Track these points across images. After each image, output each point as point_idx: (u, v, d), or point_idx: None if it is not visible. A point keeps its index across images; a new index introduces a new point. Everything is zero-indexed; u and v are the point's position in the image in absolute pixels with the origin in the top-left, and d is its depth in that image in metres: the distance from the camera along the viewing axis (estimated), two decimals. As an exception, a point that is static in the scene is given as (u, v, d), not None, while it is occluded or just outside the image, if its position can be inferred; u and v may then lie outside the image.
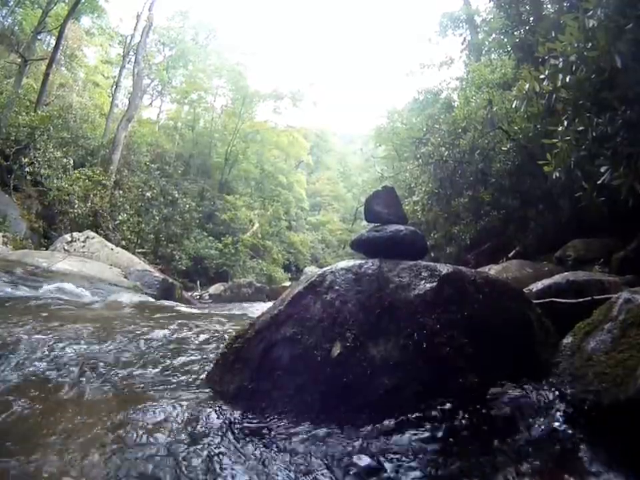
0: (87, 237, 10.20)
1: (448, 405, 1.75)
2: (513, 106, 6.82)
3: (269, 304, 2.75)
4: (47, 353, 2.77)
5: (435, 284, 2.09)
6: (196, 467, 1.52)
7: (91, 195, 13.39)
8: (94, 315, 4.31)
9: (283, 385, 1.96)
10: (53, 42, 17.57)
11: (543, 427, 1.64)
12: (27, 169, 11.70)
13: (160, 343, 3.29)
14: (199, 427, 1.79)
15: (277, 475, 1.49)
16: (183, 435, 1.72)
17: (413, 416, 1.73)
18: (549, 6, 10.24)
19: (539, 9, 9.96)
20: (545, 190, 8.69)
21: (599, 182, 4.32)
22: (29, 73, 16.97)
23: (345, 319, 2.04)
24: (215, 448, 1.64)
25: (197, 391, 2.23)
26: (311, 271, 14.48)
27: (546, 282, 3.77)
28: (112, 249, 10.34)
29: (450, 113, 13.32)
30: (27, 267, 6.86)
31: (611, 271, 5.53)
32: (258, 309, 5.95)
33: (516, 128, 9.10)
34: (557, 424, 1.64)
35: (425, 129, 12.82)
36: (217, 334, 3.76)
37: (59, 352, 2.82)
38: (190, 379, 2.47)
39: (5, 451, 1.58)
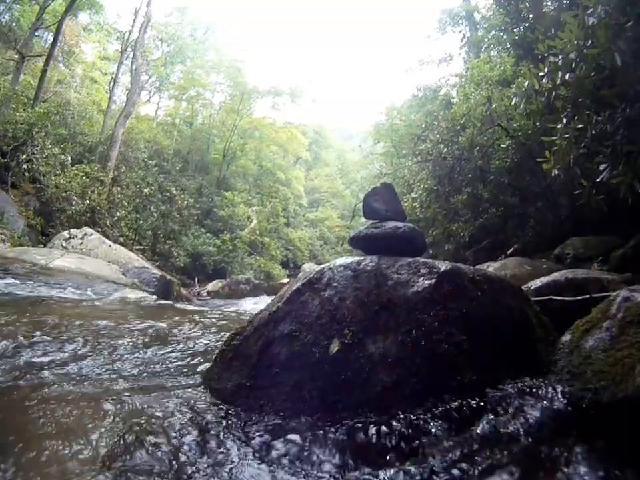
0: (85, 234, 10.16)
1: (446, 403, 1.75)
2: (512, 103, 6.81)
3: (268, 300, 2.74)
4: (43, 354, 2.76)
5: (433, 281, 2.08)
6: (192, 465, 1.52)
7: (89, 192, 13.33)
8: (93, 314, 4.30)
9: (281, 382, 1.96)
10: (51, 38, 17.46)
11: (541, 424, 1.63)
12: (24, 166, 11.63)
13: (158, 341, 3.28)
14: (196, 425, 1.79)
15: (275, 474, 1.49)
16: (179, 434, 1.71)
17: (411, 413, 1.72)
18: (548, 3, 10.22)
19: (538, 6, 9.94)
20: (544, 187, 8.72)
21: (598, 180, 4.32)
22: (27, 70, 16.89)
23: (343, 316, 2.04)
24: (211, 446, 1.64)
25: (194, 388, 2.23)
26: (309, 267, 14.46)
27: (544, 279, 3.78)
28: (110, 246, 10.31)
29: (449, 109, 13.31)
30: (25, 264, 6.83)
31: (609, 268, 5.54)
32: (256, 306, 5.95)
33: (515, 125, 9.10)
34: (555, 422, 1.63)
35: (423, 126, 12.78)
36: (215, 331, 3.76)
37: (59, 352, 2.81)
38: (188, 377, 2.47)
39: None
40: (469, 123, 10.74)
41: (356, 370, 1.88)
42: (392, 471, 1.48)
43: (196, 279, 16.65)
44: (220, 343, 2.78)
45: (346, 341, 1.95)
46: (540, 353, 2.03)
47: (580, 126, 4.47)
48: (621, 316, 1.72)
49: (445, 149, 10.75)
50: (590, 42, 4.12)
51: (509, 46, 11.62)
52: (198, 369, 2.59)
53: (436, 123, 11.96)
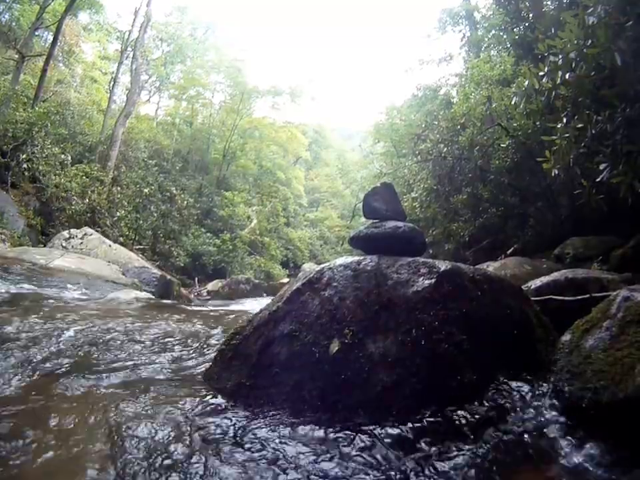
0: (85, 234, 10.15)
1: (446, 402, 1.75)
2: (512, 103, 6.82)
3: (268, 300, 2.74)
4: (43, 354, 2.76)
5: (433, 280, 2.08)
6: (191, 464, 1.52)
7: (89, 192, 13.31)
8: (93, 313, 4.30)
9: (281, 381, 1.96)
10: (51, 38, 17.42)
11: (540, 424, 1.64)
12: (24, 166, 11.61)
13: (158, 341, 3.28)
14: (195, 424, 1.79)
15: (274, 473, 1.49)
16: (179, 433, 1.71)
17: (411, 413, 1.72)
18: (548, 2, 10.22)
19: (538, 6, 9.94)
20: (544, 187, 8.72)
21: (598, 179, 4.32)
22: (27, 69, 16.87)
23: (343, 316, 2.04)
24: (210, 445, 1.64)
25: (195, 387, 2.23)
26: (309, 267, 14.46)
27: (544, 279, 3.78)
28: (110, 246, 10.29)
29: (449, 109, 13.29)
30: (24, 264, 6.83)
31: (609, 268, 5.53)
32: (256, 305, 5.95)
33: (515, 125, 9.09)
34: (555, 421, 1.63)
35: (423, 126, 12.76)
36: (215, 330, 3.76)
37: (59, 351, 2.81)
38: (188, 376, 2.47)
39: None
40: (469, 123, 10.72)
41: (356, 370, 1.88)
42: (391, 469, 1.48)
43: (196, 279, 16.64)
44: (220, 342, 2.78)
45: (346, 341, 1.95)
46: (540, 353, 2.03)
47: (580, 125, 4.46)
48: (620, 315, 1.72)
49: (445, 149, 10.73)
50: (590, 41, 4.12)
51: (509, 45, 11.62)
52: (198, 368, 2.59)
53: (436, 123, 11.94)
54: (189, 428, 1.75)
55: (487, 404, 1.75)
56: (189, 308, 6.52)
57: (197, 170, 25.77)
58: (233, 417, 1.86)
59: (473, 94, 12.08)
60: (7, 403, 1.95)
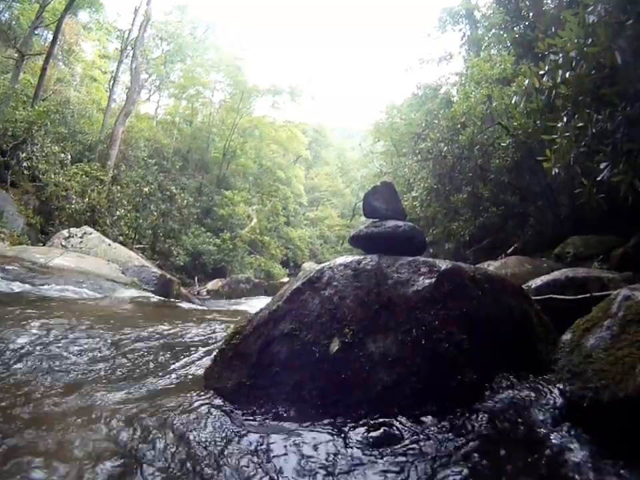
0: (85, 233, 10.15)
1: (446, 402, 1.75)
2: (513, 102, 6.82)
3: (268, 299, 2.74)
4: (45, 354, 2.76)
5: (433, 280, 2.08)
6: (190, 463, 1.51)
7: (89, 191, 13.34)
8: (92, 312, 4.29)
9: (281, 381, 1.96)
10: (50, 37, 17.42)
11: (541, 424, 1.63)
12: (24, 165, 11.63)
13: (158, 340, 3.28)
14: (195, 424, 1.79)
15: (273, 474, 1.49)
16: (178, 433, 1.71)
17: (411, 412, 1.72)
18: (548, 1, 10.23)
19: (538, 5, 9.95)
20: (544, 186, 8.72)
21: (598, 178, 4.32)
22: (26, 68, 16.88)
23: (343, 315, 2.03)
24: (210, 445, 1.64)
25: (195, 387, 2.22)
26: (309, 266, 14.45)
27: (545, 278, 3.78)
28: (109, 245, 10.29)
29: (449, 108, 13.28)
30: (24, 263, 6.83)
31: (610, 267, 5.54)
32: (256, 305, 5.95)
33: (515, 124, 9.08)
34: (555, 421, 1.63)
35: (423, 125, 12.76)
36: (214, 330, 3.76)
37: (59, 351, 2.81)
38: (188, 375, 2.46)
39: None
40: (469, 122, 10.72)
41: (356, 369, 1.87)
42: (390, 468, 1.48)
43: (196, 278, 16.66)
44: (220, 341, 2.78)
45: (346, 340, 1.95)
46: (540, 352, 2.03)
47: (580, 124, 4.46)
48: (621, 315, 1.71)
49: (445, 148, 10.72)
50: (590, 40, 4.12)
51: (509, 44, 11.63)
52: (198, 368, 2.58)
53: (436, 122, 11.94)
54: (188, 428, 1.75)
55: (487, 404, 1.74)
56: (188, 307, 6.52)
57: (196, 169, 25.79)
58: (233, 416, 1.86)
59: (473, 93, 12.08)
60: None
